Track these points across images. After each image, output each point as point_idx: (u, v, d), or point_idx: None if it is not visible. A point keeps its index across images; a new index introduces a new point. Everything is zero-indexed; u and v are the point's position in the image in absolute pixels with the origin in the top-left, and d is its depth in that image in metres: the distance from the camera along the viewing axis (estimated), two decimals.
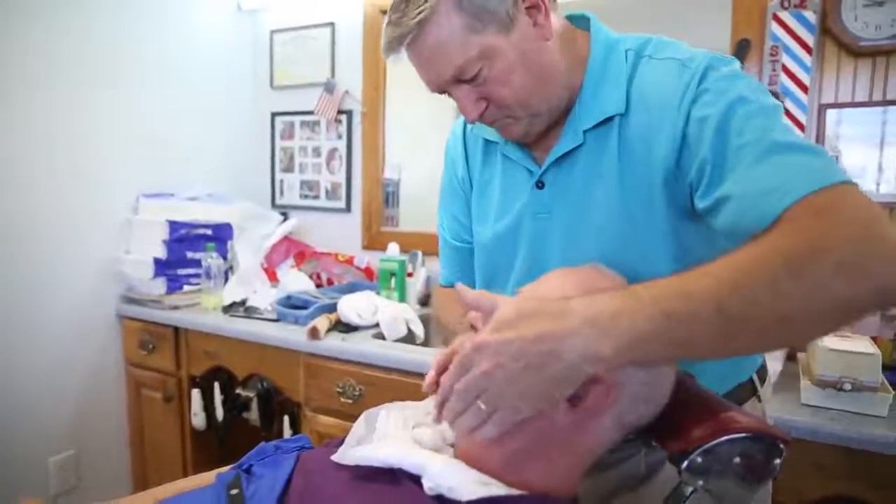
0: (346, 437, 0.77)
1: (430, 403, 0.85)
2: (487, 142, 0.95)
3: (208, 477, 0.83)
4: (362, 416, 0.80)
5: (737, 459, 0.61)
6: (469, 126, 1.00)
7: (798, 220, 0.59)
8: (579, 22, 0.87)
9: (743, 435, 0.61)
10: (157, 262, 2.10)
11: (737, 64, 0.76)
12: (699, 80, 0.74)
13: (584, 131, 0.82)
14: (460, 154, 1.01)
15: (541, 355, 0.58)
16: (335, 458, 0.70)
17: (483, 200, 0.97)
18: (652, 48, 0.81)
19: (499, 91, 0.79)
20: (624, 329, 0.56)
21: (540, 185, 0.87)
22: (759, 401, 0.92)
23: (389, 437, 0.73)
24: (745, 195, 0.65)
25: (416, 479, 0.63)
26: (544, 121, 0.83)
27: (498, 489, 0.62)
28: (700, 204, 0.72)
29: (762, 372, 0.94)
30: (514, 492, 0.63)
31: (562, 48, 0.82)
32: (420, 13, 0.74)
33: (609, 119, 0.81)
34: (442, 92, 0.82)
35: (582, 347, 0.57)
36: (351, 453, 0.69)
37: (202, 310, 2.09)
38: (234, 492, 0.73)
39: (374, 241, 2.36)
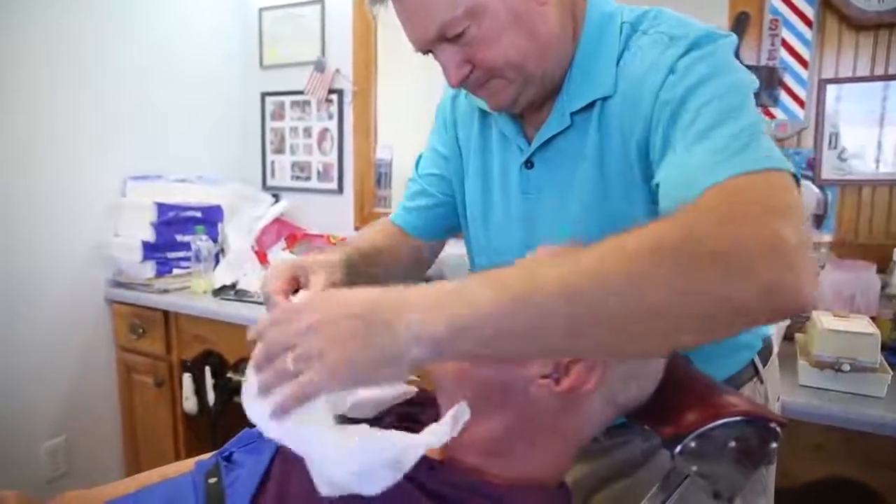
0: None
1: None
2: (483, 113, 0.91)
3: (188, 464, 0.81)
4: None
5: (732, 444, 0.60)
6: (462, 93, 0.95)
7: (689, 208, 0.52)
8: None
9: (738, 419, 0.59)
10: (145, 245, 2.07)
11: (726, 40, 0.71)
12: (677, 58, 0.69)
13: (572, 113, 0.79)
14: (450, 120, 0.99)
15: (376, 321, 0.51)
16: None
17: (484, 185, 0.93)
18: (648, 22, 0.76)
19: (486, 52, 0.74)
20: (462, 307, 0.50)
21: (529, 164, 0.85)
22: (762, 382, 0.89)
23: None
24: (672, 182, 0.63)
25: None
26: (536, 89, 0.79)
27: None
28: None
29: (765, 352, 0.91)
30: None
31: (561, 16, 0.77)
32: None
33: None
34: (426, 52, 0.77)
35: (415, 323, 0.50)
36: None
37: (192, 293, 2.06)
38: (212, 480, 0.71)
39: (366, 222, 2.32)
